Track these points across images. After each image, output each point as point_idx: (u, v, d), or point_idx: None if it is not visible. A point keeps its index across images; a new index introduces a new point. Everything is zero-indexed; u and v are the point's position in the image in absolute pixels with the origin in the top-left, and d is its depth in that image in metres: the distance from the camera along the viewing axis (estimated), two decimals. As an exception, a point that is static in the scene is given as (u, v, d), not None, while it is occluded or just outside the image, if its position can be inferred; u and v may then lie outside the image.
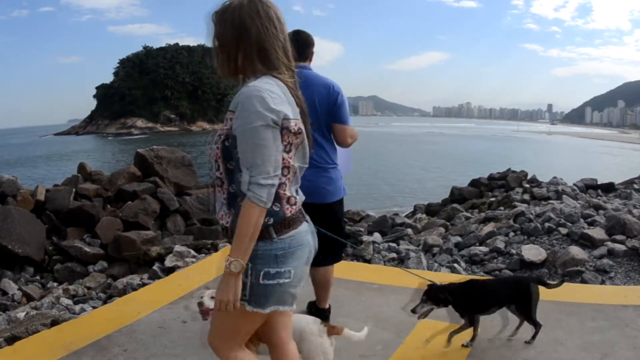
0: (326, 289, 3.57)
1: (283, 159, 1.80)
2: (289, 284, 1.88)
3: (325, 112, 3.28)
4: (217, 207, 1.95)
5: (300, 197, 1.97)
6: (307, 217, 2.01)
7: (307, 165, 1.98)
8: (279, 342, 2.12)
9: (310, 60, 3.45)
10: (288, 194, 1.88)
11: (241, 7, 1.81)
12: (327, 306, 3.61)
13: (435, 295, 3.17)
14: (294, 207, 1.90)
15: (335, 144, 3.39)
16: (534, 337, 3.24)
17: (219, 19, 1.85)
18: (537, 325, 3.22)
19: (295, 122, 1.84)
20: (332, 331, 2.65)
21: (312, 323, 2.62)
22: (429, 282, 3.26)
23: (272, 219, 1.81)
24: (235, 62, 1.86)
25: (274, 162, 1.75)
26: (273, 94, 1.76)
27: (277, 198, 1.82)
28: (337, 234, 3.41)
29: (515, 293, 3.21)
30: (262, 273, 1.81)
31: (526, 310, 3.19)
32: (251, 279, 1.81)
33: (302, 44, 3.34)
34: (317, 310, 3.55)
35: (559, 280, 3.32)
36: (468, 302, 3.19)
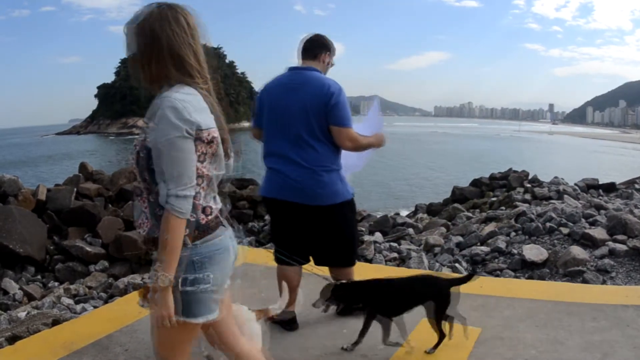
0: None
1: (197, 168, 1.81)
2: (210, 290, 1.89)
3: (316, 113, 3.24)
4: (135, 215, 1.95)
5: (218, 205, 1.98)
6: (226, 223, 2.01)
7: (223, 172, 1.97)
8: (229, 343, 2.14)
9: (322, 62, 3.43)
10: (203, 203, 1.89)
11: (151, 16, 1.81)
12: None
13: (340, 294, 3.17)
14: (209, 216, 1.91)
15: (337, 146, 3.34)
16: (436, 346, 3.17)
17: (130, 30, 1.84)
18: (441, 335, 3.14)
19: (208, 131, 1.84)
20: (260, 315, 2.75)
21: (244, 311, 2.74)
22: (337, 282, 3.24)
23: (186, 229, 1.81)
24: (150, 71, 1.85)
25: (191, 173, 1.76)
26: (187, 104, 1.76)
27: (192, 208, 1.82)
28: (335, 238, 3.43)
29: (433, 293, 3.15)
30: (180, 280, 1.81)
31: (439, 313, 3.11)
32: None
33: (315, 43, 3.41)
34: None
35: (469, 273, 3.23)
36: (378, 301, 3.17)
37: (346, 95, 3.33)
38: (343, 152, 3.41)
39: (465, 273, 5.68)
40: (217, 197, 2.00)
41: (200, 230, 1.87)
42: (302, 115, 3.27)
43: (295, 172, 3.31)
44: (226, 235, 1.97)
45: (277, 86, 3.42)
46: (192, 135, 1.77)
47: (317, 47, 3.43)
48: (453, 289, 3.15)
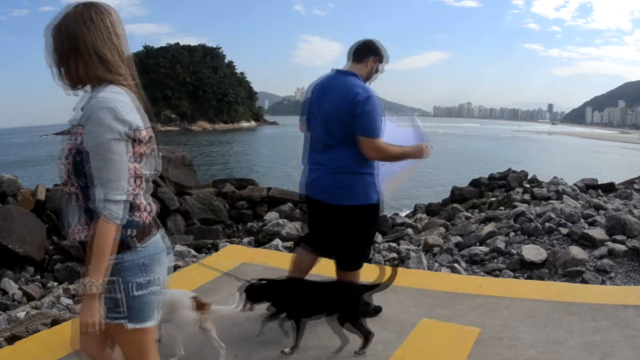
0: None
1: (135, 169, 1.79)
2: (155, 291, 1.89)
3: (340, 119, 3.25)
4: (71, 222, 1.89)
5: (153, 205, 1.96)
6: (156, 223, 2.01)
7: (156, 173, 1.96)
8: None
9: (368, 66, 3.41)
10: (144, 202, 1.88)
11: (74, 17, 1.77)
12: None
13: (251, 294, 3.19)
14: (150, 214, 1.90)
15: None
16: (363, 346, 3.14)
17: (53, 32, 1.81)
18: (367, 336, 3.13)
19: (146, 130, 1.83)
20: (200, 306, 2.91)
21: (183, 296, 2.90)
22: (250, 283, 3.27)
23: (134, 230, 1.80)
24: (77, 73, 1.81)
25: (125, 177, 1.73)
26: (123, 104, 1.74)
27: (135, 208, 1.82)
28: (345, 238, 3.45)
29: (342, 299, 3.14)
30: (133, 285, 1.80)
31: (353, 319, 3.09)
32: (124, 294, 1.81)
33: (363, 47, 3.42)
34: None
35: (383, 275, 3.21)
36: (288, 301, 3.18)
37: (376, 101, 3.22)
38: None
39: (464, 273, 5.68)
40: (149, 196, 1.97)
41: (145, 231, 1.86)
42: (328, 119, 3.32)
43: (319, 172, 3.40)
44: (159, 237, 1.96)
45: (317, 86, 3.46)
46: (130, 136, 1.74)
47: (363, 51, 3.42)
48: (365, 296, 3.17)
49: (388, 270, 3.31)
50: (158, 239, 1.94)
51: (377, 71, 3.47)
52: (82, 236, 1.84)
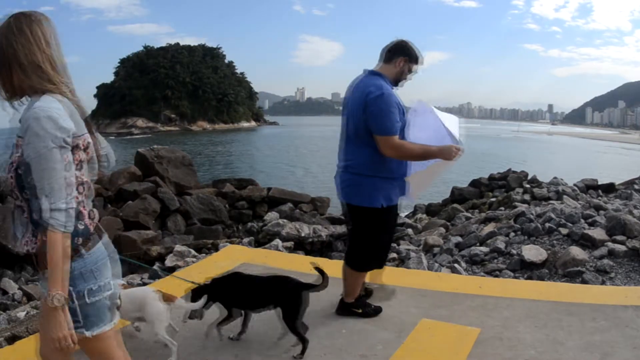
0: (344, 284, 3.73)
1: (77, 176, 1.79)
2: (104, 297, 1.89)
3: (357, 118, 3.29)
4: (18, 234, 1.88)
5: (96, 212, 1.96)
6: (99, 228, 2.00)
7: (96, 178, 1.95)
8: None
9: (397, 67, 3.41)
10: (88, 209, 1.88)
11: (5, 29, 1.77)
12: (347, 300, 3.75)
13: (196, 297, 3.21)
14: (94, 220, 1.91)
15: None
16: (302, 351, 3.12)
17: None
18: (303, 340, 3.13)
19: (83, 137, 1.82)
20: (167, 298, 3.09)
21: (150, 292, 3.11)
22: (196, 286, 3.30)
23: (80, 238, 1.80)
24: (11, 85, 1.80)
25: (68, 185, 1.73)
26: (59, 112, 1.73)
27: (80, 216, 1.81)
28: (351, 236, 3.61)
29: (283, 295, 3.16)
30: (85, 292, 1.81)
31: (290, 315, 3.12)
32: (78, 303, 1.81)
33: (393, 47, 3.44)
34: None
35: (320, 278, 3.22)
36: (228, 295, 3.23)
37: (391, 99, 3.24)
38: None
39: (464, 274, 5.68)
40: (91, 202, 1.96)
41: (92, 238, 1.86)
42: (348, 119, 3.38)
43: (339, 169, 3.51)
44: (103, 243, 1.96)
45: (350, 86, 3.50)
46: (69, 143, 1.74)
47: (393, 51, 3.42)
48: (306, 295, 3.17)
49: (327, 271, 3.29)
50: (104, 244, 1.94)
51: (408, 72, 3.46)
52: (31, 248, 1.83)
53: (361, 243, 3.55)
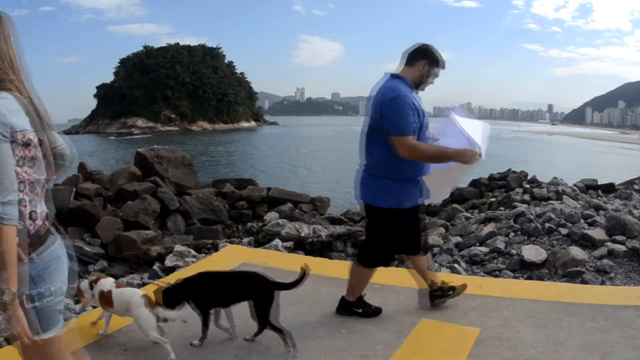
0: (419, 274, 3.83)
1: (24, 173, 1.77)
2: (54, 302, 1.87)
3: (373, 120, 3.35)
4: None
5: (43, 210, 1.92)
6: (54, 229, 1.96)
7: (44, 176, 1.92)
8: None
9: (418, 70, 3.43)
10: (29, 209, 1.83)
11: None
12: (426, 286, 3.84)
13: (170, 298, 3.22)
14: (37, 222, 1.86)
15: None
16: (286, 343, 3.14)
17: None
18: (280, 331, 3.14)
19: (23, 133, 1.79)
20: (151, 304, 3.15)
21: (136, 295, 3.20)
22: (165, 286, 3.29)
23: (22, 241, 1.77)
24: None
25: (12, 178, 1.71)
26: (5, 107, 1.73)
27: (26, 216, 1.79)
28: (365, 233, 3.68)
29: (255, 289, 3.19)
30: (26, 297, 1.79)
31: (261, 312, 3.13)
32: (28, 306, 1.80)
33: (414, 51, 3.45)
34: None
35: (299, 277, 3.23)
36: (200, 293, 3.23)
37: (406, 99, 3.26)
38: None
39: (464, 274, 5.68)
40: (42, 202, 1.93)
41: (33, 241, 1.82)
42: (367, 121, 3.43)
43: (360, 170, 3.55)
44: (56, 245, 1.93)
45: (372, 90, 3.53)
46: (7, 137, 1.72)
47: (415, 55, 3.44)
48: (277, 294, 3.17)
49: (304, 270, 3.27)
50: (51, 247, 1.90)
51: (430, 75, 3.48)
52: None
53: (370, 240, 3.63)
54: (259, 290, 3.18)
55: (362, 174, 3.51)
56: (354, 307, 3.73)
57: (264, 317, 3.13)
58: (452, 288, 3.85)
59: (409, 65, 3.46)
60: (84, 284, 3.47)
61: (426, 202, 4.01)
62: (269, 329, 3.15)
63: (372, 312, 3.72)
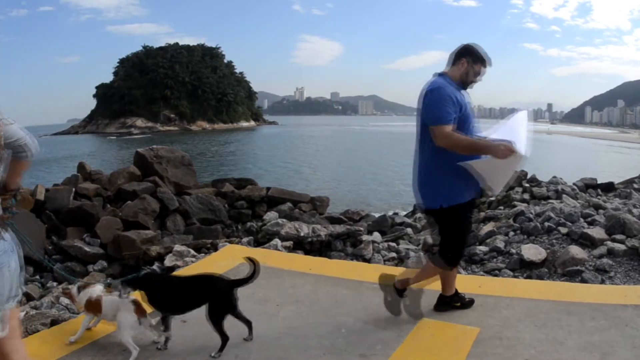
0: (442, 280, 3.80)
1: None
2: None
3: (420, 117, 3.39)
4: None
5: None
6: (5, 235, 1.92)
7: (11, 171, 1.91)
8: None
9: (461, 68, 3.47)
10: None
11: None
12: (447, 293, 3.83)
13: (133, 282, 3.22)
14: None
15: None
16: (220, 349, 3.15)
17: None
18: (223, 336, 3.14)
19: None
20: (139, 312, 3.18)
21: (127, 301, 3.19)
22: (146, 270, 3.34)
23: None
24: None
25: None
26: None
27: None
28: (441, 240, 3.59)
29: (212, 293, 3.17)
30: None
31: (218, 314, 3.14)
32: None
33: (458, 50, 3.51)
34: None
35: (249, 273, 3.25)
36: (158, 296, 3.20)
37: (443, 91, 3.31)
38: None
39: (463, 273, 5.68)
40: None
41: None
42: (418, 120, 3.45)
43: (415, 173, 3.57)
44: (2, 249, 1.87)
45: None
46: None
47: (458, 53, 3.51)
48: (235, 293, 3.18)
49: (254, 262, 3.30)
50: None
51: (474, 73, 3.51)
52: None
53: (444, 241, 3.59)
54: (216, 292, 3.17)
55: (417, 175, 3.54)
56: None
57: (219, 319, 3.13)
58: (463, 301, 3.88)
59: (452, 65, 3.52)
60: (74, 289, 3.48)
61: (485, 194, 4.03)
62: (216, 330, 3.14)
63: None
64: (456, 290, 3.83)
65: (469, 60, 3.47)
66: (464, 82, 3.51)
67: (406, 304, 3.75)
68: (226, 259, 5.18)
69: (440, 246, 3.63)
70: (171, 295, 3.22)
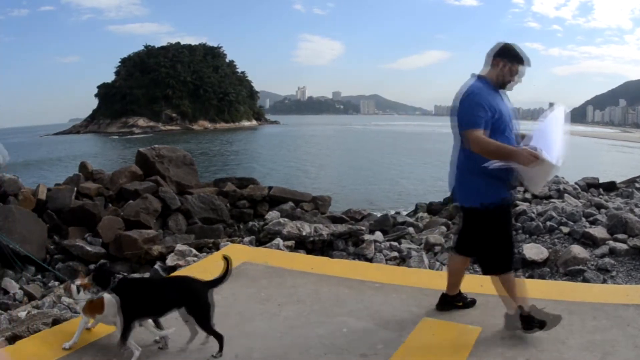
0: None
1: None
2: None
3: (456, 118, 3.35)
4: None
5: None
6: None
7: None
8: None
9: (497, 69, 3.38)
10: None
11: None
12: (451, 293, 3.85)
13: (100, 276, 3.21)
14: None
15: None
16: (220, 349, 3.13)
17: None
18: (217, 336, 3.13)
19: None
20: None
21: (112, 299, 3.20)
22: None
23: None
24: None
25: None
26: None
27: None
28: (477, 239, 3.47)
29: (187, 295, 3.14)
30: None
31: (201, 317, 3.10)
32: None
33: (494, 50, 3.41)
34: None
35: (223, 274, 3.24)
36: (130, 300, 3.16)
37: (477, 97, 3.26)
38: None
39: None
40: None
41: None
42: (452, 120, 3.43)
43: (452, 173, 3.52)
44: None
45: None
46: None
47: (494, 54, 3.41)
48: (211, 294, 3.16)
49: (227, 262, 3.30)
50: None
51: (511, 73, 3.40)
52: None
53: (488, 246, 3.46)
54: (192, 295, 3.14)
55: (455, 176, 3.48)
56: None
57: (206, 321, 3.11)
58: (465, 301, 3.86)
59: (489, 66, 3.44)
60: (74, 288, 3.41)
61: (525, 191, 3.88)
62: (208, 333, 3.14)
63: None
64: (459, 290, 3.82)
65: (506, 60, 3.38)
66: (502, 83, 3.42)
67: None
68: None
69: (486, 253, 3.49)
70: (146, 299, 3.17)
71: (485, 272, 3.62)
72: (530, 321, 3.33)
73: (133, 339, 3.13)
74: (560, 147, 3.25)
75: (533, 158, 3.08)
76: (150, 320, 3.24)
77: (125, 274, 6.40)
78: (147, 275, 6.29)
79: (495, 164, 3.18)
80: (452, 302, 3.80)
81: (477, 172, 3.30)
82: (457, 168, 3.47)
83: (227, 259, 3.28)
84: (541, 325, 3.30)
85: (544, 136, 3.30)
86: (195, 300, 3.13)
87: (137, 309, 3.15)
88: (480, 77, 3.43)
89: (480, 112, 3.22)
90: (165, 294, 3.22)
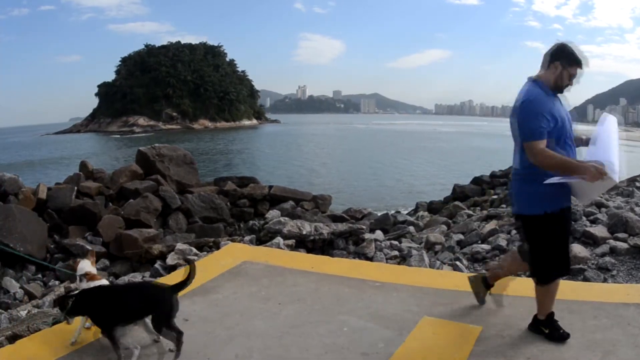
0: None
1: None
2: None
3: (514, 125, 3.26)
4: None
5: None
6: None
7: None
8: None
9: (553, 72, 3.23)
10: None
11: None
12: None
13: (62, 305, 3.18)
14: None
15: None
16: (178, 348, 3.07)
17: None
18: (177, 333, 3.08)
19: None
20: None
21: None
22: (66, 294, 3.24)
23: None
24: None
25: None
26: None
27: None
28: (531, 252, 3.39)
29: (153, 302, 3.10)
30: None
31: (164, 322, 3.06)
32: None
33: (548, 52, 3.29)
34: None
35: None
36: (98, 310, 3.12)
37: (537, 105, 3.13)
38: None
39: (466, 271, 5.67)
40: None
41: None
42: (511, 122, 3.33)
43: (513, 180, 3.45)
44: None
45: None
46: None
47: (549, 56, 3.28)
48: (176, 298, 3.12)
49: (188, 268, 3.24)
50: None
51: (567, 76, 3.24)
52: None
53: (536, 253, 3.39)
54: (158, 303, 3.09)
55: (514, 182, 3.39)
56: (542, 325, 3.42)
57: (166, 326, 3.07)
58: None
59: (545, 68, 3.29)
60: (80, 268, 3.42)
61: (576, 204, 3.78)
62: (166, 338, 3.11)
63: (558, 336, 3.34)
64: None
65: (563, 63, 3.21)
66: (559, 87, 3.27)
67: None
68: (228, 258, 5.19)
69: (533, 259, 3.42)
70: (113, 307, 3.12)
71: (530, 274, 3.56)
72: (537, 325, 3.42)
73: (131, 338, 3.12)
74: (618, 161, 3.14)
75: (599, 175, 2.98)
76: (146, 320, 3.22)
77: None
78: (146, 275, 6.28)
79: (555, 178, 3.10)
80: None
81: (532, 180, 3.21)
82: (517, 175, 3.34)
83: (191, 264, 3.20)
84: (545, 334, 3.36)
85: (604, 147, 3.20)
86: (162, 305, 3.07)
87: (106, 317, 3.11)
88: (536, 80, 3.29)
89: (542, 122, 3.09)
90: (128, 301, 3.14)
